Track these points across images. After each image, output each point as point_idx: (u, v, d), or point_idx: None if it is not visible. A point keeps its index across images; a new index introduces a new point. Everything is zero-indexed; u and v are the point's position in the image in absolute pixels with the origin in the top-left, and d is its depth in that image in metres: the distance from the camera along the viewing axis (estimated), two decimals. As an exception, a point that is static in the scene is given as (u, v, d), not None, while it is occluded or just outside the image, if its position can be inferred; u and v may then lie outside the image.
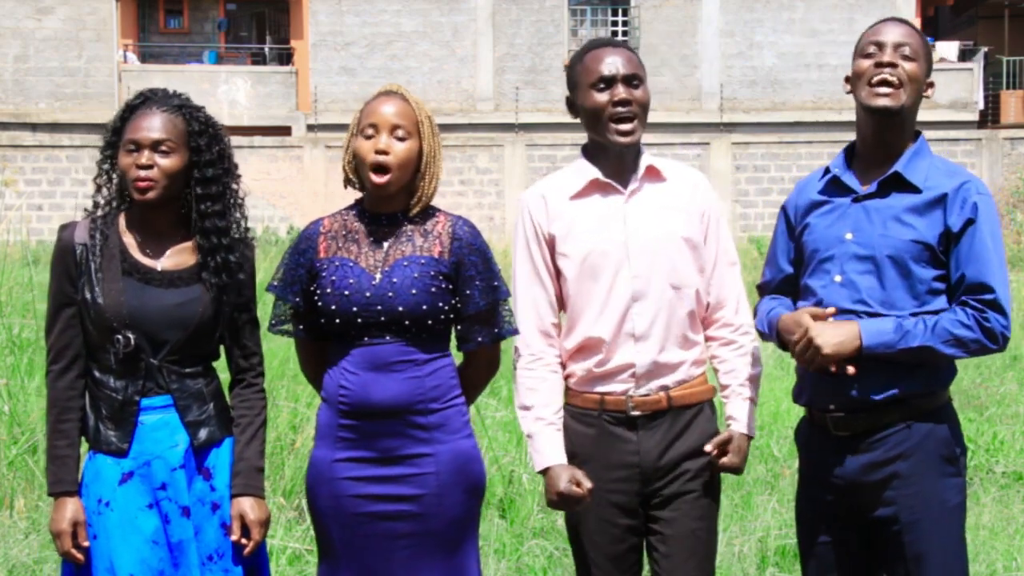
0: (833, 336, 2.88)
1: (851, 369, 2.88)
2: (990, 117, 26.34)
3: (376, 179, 2.99)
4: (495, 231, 22.60)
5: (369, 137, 3.00)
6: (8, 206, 21.03)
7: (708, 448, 3.13)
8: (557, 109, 25.66)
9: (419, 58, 25.96)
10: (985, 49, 26.51)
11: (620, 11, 26.39)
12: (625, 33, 26.20)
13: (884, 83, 2.94)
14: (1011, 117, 26.19)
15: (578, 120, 3.21)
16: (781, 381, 8.45)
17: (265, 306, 3.14)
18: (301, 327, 3.11)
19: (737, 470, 3.19)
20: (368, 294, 2.98)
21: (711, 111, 25.24)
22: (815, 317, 2.92)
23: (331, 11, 25.97)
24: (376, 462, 2.99)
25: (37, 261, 9.98)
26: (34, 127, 24.92)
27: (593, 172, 3.16)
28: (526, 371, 3.17)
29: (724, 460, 3.14)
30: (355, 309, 2.97)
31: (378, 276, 3.00)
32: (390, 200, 3.06)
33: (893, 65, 2.94)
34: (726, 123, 25.21)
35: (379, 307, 2.97)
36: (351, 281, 2.99)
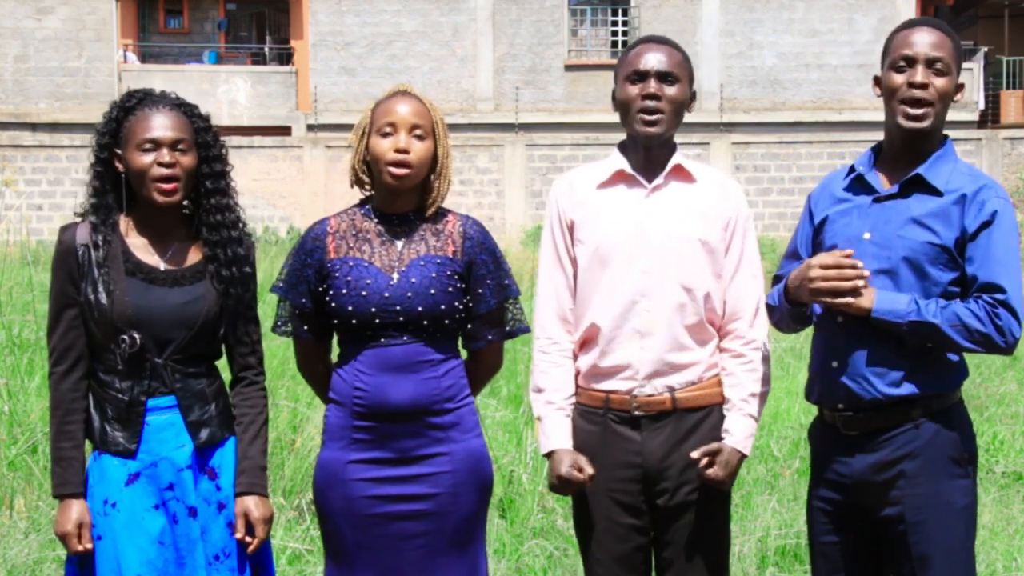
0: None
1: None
2: (990, 117, 26.34)
3: (396, 171, 3.00)
4: (495, 231, 22.56)
5: (387, 135, 3.01)
6: (8, 206, 21.01)
7: (695, 455, 3.07)
8: (557, 109, 25.66)
9: (419, 58, 25.95)
10: (985, 49, 26.49)
11: (620, 11, 26.39)
12: (625, 33, 26.20)
13: (917, 103, 2.94)
14: (1011, 117, 26.18)
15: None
16: (781, 381, 8.44)
17: (265, 306, 3.14)
18: (305, 328, 3.10)
19: (722, 484, 3.10)
20: (387, 294, 2.99)
21: (711, 111, 25.22)
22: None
23: (331, 11, 25.96)
24: (392, 463, 3.00)
25: (37, 261, 9.97)
26: (34, 127, 24.91)
27: (621, 163, 3.19)
28: (541, 354, 3.19)
29: (709, 472, 3.07)
30: (373, 309, 2.98)
31: (395, 276, 3.01)
32: (402, 200, 3.07)
33: (925, 86, 2.93)
34: (726, 123, 25.20)
35: (398, 307, 2.98)
36: (368, 281, 2.99)
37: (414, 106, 3.03)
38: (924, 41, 2.96)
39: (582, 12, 26.47)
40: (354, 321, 2.99)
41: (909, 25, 3.04)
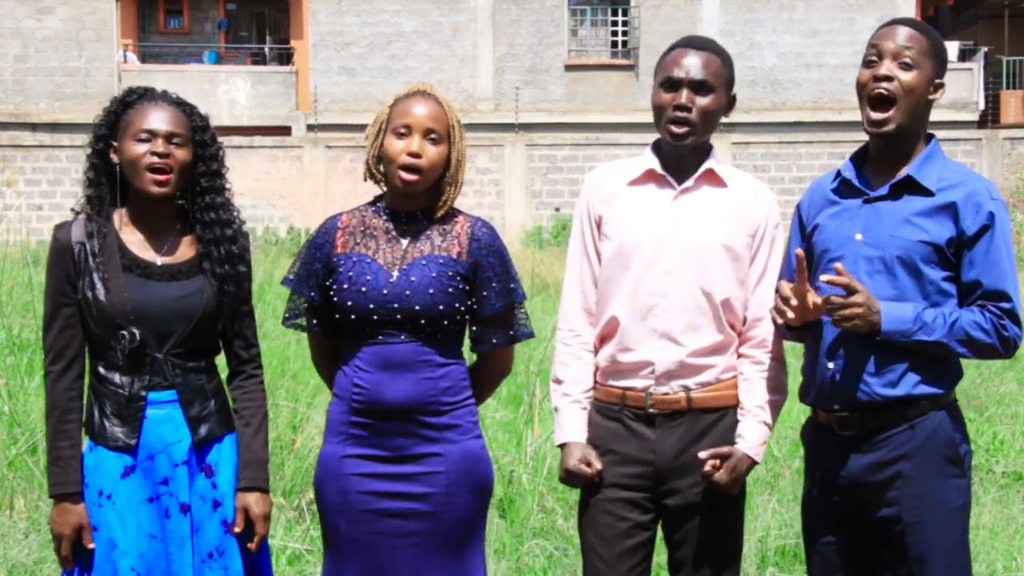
0: (867, 300, 2.84)
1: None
2: (990, 117, 26.34)
3: (406, 176, 2.99)
4: (495, 231, 22.56)
5: (402, 136, 3.00)
6: (8, 206, 21.02)
7: (703, 455, 3.05)
8: (557, 109, 25.67)
9: (419, 58, 25.96)
10: (985, 49, 26.50)
11: (620, 11, 26.39)
12: (625, 33, 26.21)
13: (879, 99, 2.93)
14: (1011, 117, 26.18)
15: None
16: (781, 381, 8.42)
17: (276, 301, 3.13)
18: (315, 322, 3.12)
19: (725, 488, 3.06)
20: (385, 291, 2.98)
21: (711, 111, 25.22)
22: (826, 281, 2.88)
23: (331, 11, 25.96)
24: (386, 460, 3.00)
25: (37, 261, 9.97)
26: (34, 127, 24.91)
27: (652, 163, 3.17)
28: (563, 346, 3.20)
29: (716, 476, 3.04)
30: (371, 306, 2.98)
31: (395, 274, 3.00)
32: (414, 199, 3.06)
33: (888, 79, 2.92)
34: (726, 123, 25.20)
35: (395, 305, 2.98)
36: (368, 277, 2.99)
37: (431, 109, 3.01)
38: (894, 36, 2.95)
39: (582, 12, 26.47)
40: (353, 316, 2.99)
41: (886, 24, 3.03)
